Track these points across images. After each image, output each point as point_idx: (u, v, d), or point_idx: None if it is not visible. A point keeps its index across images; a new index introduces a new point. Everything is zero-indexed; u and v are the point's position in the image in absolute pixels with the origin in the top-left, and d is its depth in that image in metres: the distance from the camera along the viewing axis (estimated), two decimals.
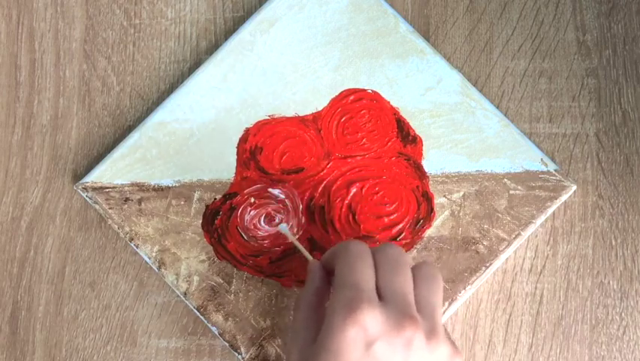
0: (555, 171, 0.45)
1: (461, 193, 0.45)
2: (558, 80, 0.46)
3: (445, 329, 0.36)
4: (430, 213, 0.45)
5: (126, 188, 0.46)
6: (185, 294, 0.45)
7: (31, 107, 0.48)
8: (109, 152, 0.46)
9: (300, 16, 0.47)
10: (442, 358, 0.34)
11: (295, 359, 0.35)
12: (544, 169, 0.45)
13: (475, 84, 0.46)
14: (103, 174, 0.46)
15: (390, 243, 0.38)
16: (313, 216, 0.45)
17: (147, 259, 0.45)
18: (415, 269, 0.37)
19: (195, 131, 0.46)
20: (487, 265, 0.44)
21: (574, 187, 0.44)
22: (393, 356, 0.33)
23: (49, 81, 0.48)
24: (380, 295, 0.35)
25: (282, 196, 0.45)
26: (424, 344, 0.34)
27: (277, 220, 0.44)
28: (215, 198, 0.45)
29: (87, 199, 0.46)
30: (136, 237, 0.45)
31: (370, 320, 0.33)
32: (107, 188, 0.46)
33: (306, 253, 0.40)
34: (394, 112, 0.46)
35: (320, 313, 0.36)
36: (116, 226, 0.45)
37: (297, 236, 0.45)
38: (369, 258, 0.36)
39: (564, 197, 0.44)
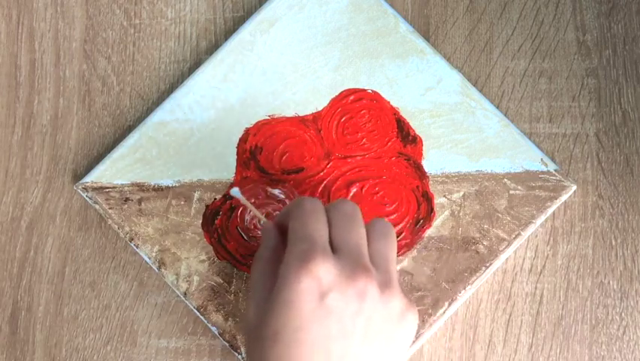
0: (555, 171, 0.45)
1: (461, 193, 0.45)
2: (558, 80, 0.46)
3: (404, 290, 0.36)
4: (430, 213, 0.45)
5: (126, 188, 0.46)
6: (185, 294, 0.45)
7: (31, 107, 0.48)
8: (109, 152, 0.46)
9: (300, 16, 0.47)
10: (395, 310, 0.35)
11: (252, 313, 0.35)
12: (544, 169, 0.45)
13: (475, 84, 0.46)
14: (103, 174, 0.46)
15: (343, 198, 0.39)
16: None
17: (147, 259, 0.45)
18: (368, 225, 0.37)
19: (195, 131, 0.46)
20: (487, 265, 0.44)
21: (574, 187, 0.44)
22: (347, 307, 0.33)
23: (49, 81, 0.48)
24: (334, 249, 0.35)
25: (282, 196, 0.45)
26: (377, 296, 0.34)
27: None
28: (215, 198, 0.45)
29: (87, 199, 0.46)
30: (136, 237, 0.45)
31: (324, 271, 0.33)
32: (107, 188, 0.46)
33: (260, 215, 0.40)
34: (394, 112, 0.46)
35: (275, 269, 0.36)
36: (116, 226, 0.45)
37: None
38: (323, 213, 0.36)
39: (564, 197, 0.44)
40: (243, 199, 0.40)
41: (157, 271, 0.45)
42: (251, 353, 0.36)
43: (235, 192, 0.40)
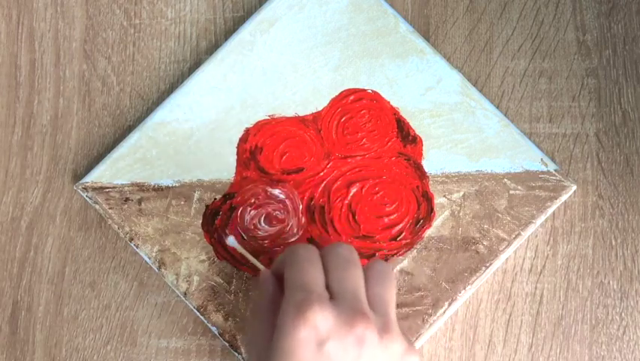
0: (555, 171, 0.45)
1: (461, 193, 0.45)
2: (558, 80, 0.46)
3: (404, 331, 0.36)
4: (430, 213, 0.45)
5: (126, 188, 0.46)
6: (185, 294, 0.45)
7: (31, 107, 0.48)
8: (109, 152, 0.46)
9: (300, 16, 0.47)
10: (396, 354, 0.34)
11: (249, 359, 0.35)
12: (544, 169, 0.45)
13: (475, 84, 0.46)
14: (103, 174, 0.46)
15: (338, 242, 0.38)
16: (313, 216, 0.45)
17: (147, 259, 0.45)
18: (366, 267, 0.37)
19: (195, 131, 0.46)
20: (487, 265, 0.44)
21: (574, 187, 0.44)
22: (346, 354, 0.33)
23: (49, 81, 0.48)
24: (331, 294, 0.35)
25: (282, 196, 0.45)
26: (376, 341, 0.34)
27: (274, 218, 0.44)
28: (215, 198, 0.45)
29: (87, 199, 0.46)
30: (136, 237, 0.45)
31: (321, 319, 0.33)
32: (107, 188, 0.46)
33: (258, 263, 0.40)
34: (394, 112, 0.46)
35: (274, 319, 0.36)
36: (116, 226, 0.45)
37: (298, 236, 0.45)
38: (318, 259, 0.36)
39: (564, 197, 0.44)
40: (239, 248, 0.41)
41: (157, 271, 0.45)
42: None
43: (232, 241, 0.41)
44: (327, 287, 0.35)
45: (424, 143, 0.45)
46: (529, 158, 0.45)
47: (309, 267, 0.35)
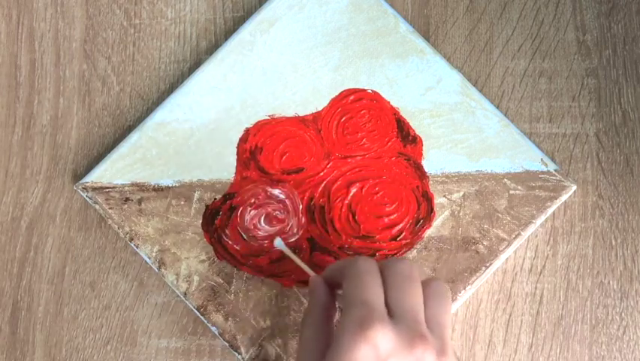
0: (555, 171, 0.45)
1: (461, 193, 0.45)
2: (558, 80, 0.46)
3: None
4: (430, 213, 0.45)
5: (126, 188, 0.46)
6: (185, 294, 0.45)
7: (31, 107, 0.48)
8: (109, 152, 0.46)
9: (300, 16, 0.47)
10: None
11: None
12: (544, 169, 0.45)
13: (475, 84, 0.46)
14: (103, 174, 0.46)
15: (399, 258, 0.37)
16: (313, 216, 0.45)
17: (147, 259, 0.45)
18: (424, 286, 0.36)
19: (195, 131, 0.46)
20: (487, 265, 0.44)
21: (574, 187, 0.44)
22: None
23: (49, 81, 0.48)
24: (390, 312, 0.34)
25: (282, 196, 0.45)
26: None
27: (276, 227, 0.44)
28: (215, 198, 0.45)
29: (87, 199, 0.46)
30: (136, 237, 0.45)
31: (381, 339, 0.32)
32: (107, 188, 0.46)
33: (307, 268, 0.40)
34: (394, 112, 0.46)
35: (327, 329, 0.36)
36: (116, 226, 0.45)
37: (298, 236, 0.45)
38: (378, 274, 0.36)
39: (564, 197, 0.44)
40: (287, 250, 0.41)
41: (157, 271, 0.45)
42: None
43: (279, 243, 0.42)
44: (386, 304, 0.35)
45: (424, 143, 0.45)
46: (529, 158, 0.45)
47: (371, 282, 0.35)
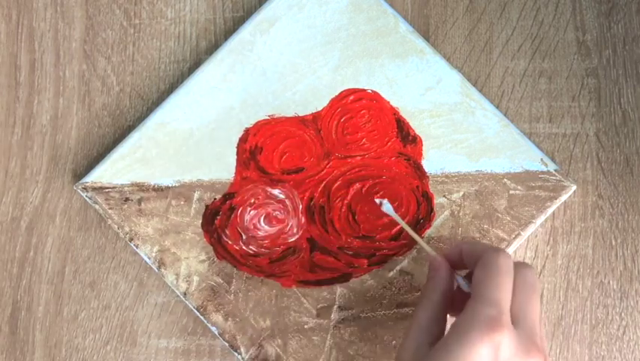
0: (555, 171, 0.45)
1: (461, 193, 0.45)
2: (558, 80, 0.46)
3: None
4: (429, 213, 0.45)
5: (126, 188, 0.46)
6: (185, 294, 0.45)
7: (31, 107, 0.48)
8: (109, 152, 0.46)
9: (300, 16, 0.47)
10: None
11: (410, 354, 0.36)
12: (544, 169, 0.45)
13: (475, 84, 0.46)
14: (103, 174, 0.46)
15: (526, 263, 0.38)
16: (313, 216, 0.45)
17: (147, 259, 0.45)
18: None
19: (195, 131, 0.46)
20: None
21: (574, 187, 0.44)
22: None
23: (49, 81, 0.48)
24: (512, 317, 0.35)
25: (282, 196, 0.45)
26: None
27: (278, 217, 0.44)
28: (215, 198, 0.45)
29: (87, 199, 0.46)
30: (136, 237, 0.45)
31: (505, 345, 0.33)
32: (107, 188, 0.46)
33: (425, 246, 0.40)
34: (394, 112, 0.46)
35: (442, 316, 0.37)
36: (116, 226, 0.45)
37: (298, 236, 0.45)
38: (512, 276, 0.36)
39: (564, 197, 0.44)
40: (396, 216, 0.41)
41: (157, 271, 0.45)
42: None
43: (387, 207, 0.42)
44: (510, 307, 0.35)
45: (424, 143, 0.45)
46: (529, 158, 0.45)
47: (506, 284, 0.35)
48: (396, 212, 0.44)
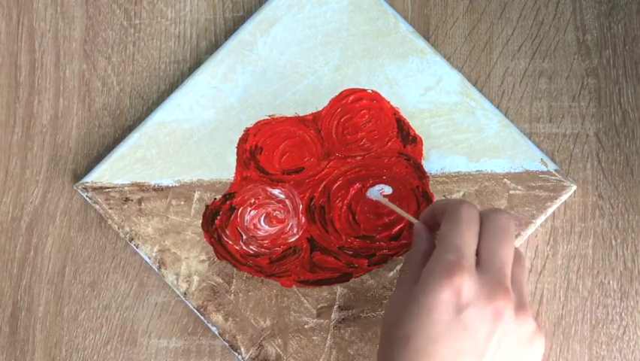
0: (555, 171, 0.45)
1: (461, 193, 0.45)
2: (558, 80, 0.46)
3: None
4: None
5: (126, 188, 0.46)
6: (185, 294, 0.45)
7: (31, 107, 0.48)
8: (109, 152, 0.46)
9: (300, 16, 0.47)
10: (526, 333, 0.35)
11: (391, 312, 0.36)
12: (544, 169, 0.45)
13: (475, 84, 0.46)
14: (103, 174, 0.46)
15: (500, 209, 0.38)
16: (313, 216, 0.45)
17: (147, 259, 0.45)
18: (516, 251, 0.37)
19: (195, 131, 0.46)
20: None
21: (574, 187, 0.44)
22: (482, 325, 0.34)
23: (49, 81, 0.48)
24: (478, 261, 0.35)
25: (282, 196, 0.45)
26: (512, 318, 0.34)
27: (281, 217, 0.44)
28: (215, 198, 0.45)
29: (87, 199, 0.46)
30: (136, 237, 0.45)
31: (465, 286, 0.33)
32: (107, 188, 0.46)
33: (409, 217, 0.40)
34: (394, 112, 0.46)
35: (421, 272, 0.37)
36: (116, 226, 0.45)
37: (298, 236, 0.45)
38: (477, 223, 0.36)
39: (564, 197, 0.44)
40: (383, 200, 0.40)
41: (157, 271, 0.45)
42: (382, 351, 0.36)
43: (375, 193, 0.42)
44: (477, 252, 0.35)
45: (424, 143, 0.45)
46: (529, 158, 0.45)
47: (468, 231, 0.36)
48: (395, 212, 0.44)
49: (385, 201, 0.42)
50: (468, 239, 0.35)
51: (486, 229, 0.36)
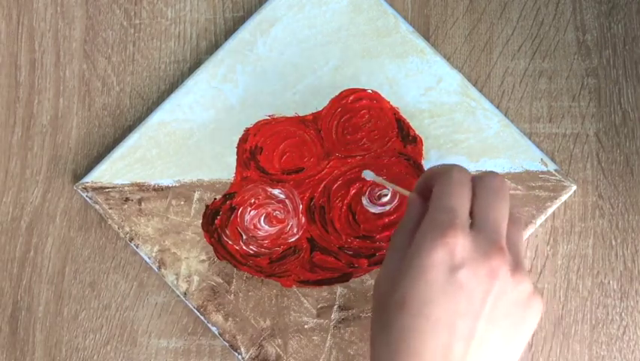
0: (555, 171, 0.45)
1: None
2: (558, 80, 0.46)
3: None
4: None
5: (126, 188, 0.46)
6: (185, 294, 0.45)
7: (31, 107, 0.48)
8: (109, 152, 0.46)
9: (300, 16, 0.47)
10: (523, 293, 0.34)
11: (383, 279, 0.35)
12: (544, 169, 0.45)
13: (475, 84, 0.46)
14: (103, 174, 0.46)
15: (492, 172, 0.38)
16: (313, 216, 0.45)
17: (147, 259, 0.45)
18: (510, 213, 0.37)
19: (195, 131, 0.46)
20: None
21: (574, 187, 0.44)
22: (477, 285, 0.33)
23: (49, 81, 0.48)
24: (473, 223, 0.35)
25: (282, 196, 0.45)
26: (508, 277, 0.34)
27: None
28: (215, 198, 0.45)
29: (87, 199, 0.46)
30: (136, 237, 0.45)
31: (459, 246, 0.33)
32: (107, 188, 0.46)
33: (402, 190, 0.40)
34: (394, 112, 0.46)
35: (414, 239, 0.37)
36: (116, 226, 0.45)
37: (298, 236, 0.45)
38: (469, 185, 0.36)
39: (564, 197, 0.44)
40: (378, 179, 0.41)
41: (157, 271, 0.45)
42: (376, 318, 0.35)
43: (369, 175, 0.41)
44: (471, 213, 0.35)
45: (424, 143, 0.45)
46: (529, 158, 0.45)
47: (460, 191, 0.35)
48: (396, 212, 0.44)
49: (380, 180, 0.41)
50: (460, 199, 0.35)
51: (479, 190, 0.36)
